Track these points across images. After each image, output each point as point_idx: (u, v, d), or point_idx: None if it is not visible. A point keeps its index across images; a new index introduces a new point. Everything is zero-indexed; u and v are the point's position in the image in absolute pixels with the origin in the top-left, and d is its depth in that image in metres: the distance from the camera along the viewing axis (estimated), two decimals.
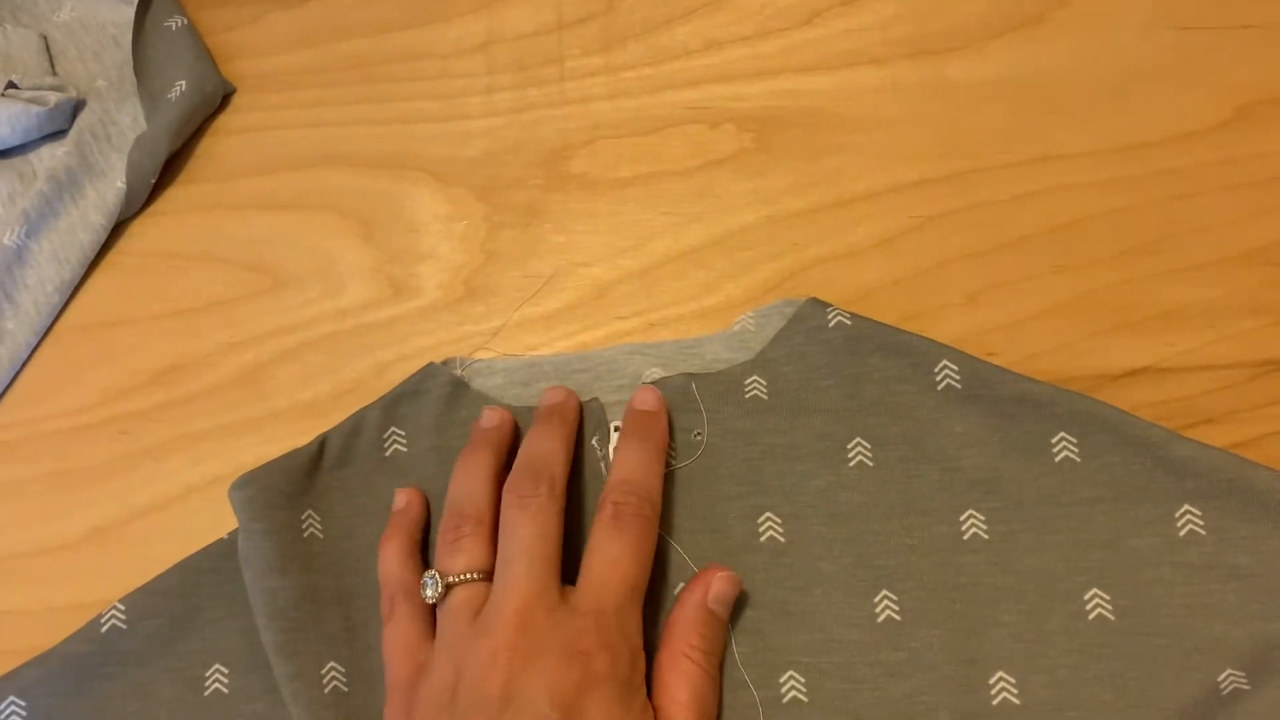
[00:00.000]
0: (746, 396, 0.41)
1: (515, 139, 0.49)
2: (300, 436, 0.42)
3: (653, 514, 0.37)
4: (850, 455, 0.39)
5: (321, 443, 0.42)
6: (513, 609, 0.34)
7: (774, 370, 0.41)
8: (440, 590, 0.37)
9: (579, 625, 0.34)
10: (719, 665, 0.37)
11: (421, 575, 0.38)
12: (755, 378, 0.41)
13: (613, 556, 0.36)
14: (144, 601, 0.41)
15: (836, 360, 0.40)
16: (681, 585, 0.38)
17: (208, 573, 0.41)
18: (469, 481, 0.39)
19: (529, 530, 0.36)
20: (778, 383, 0.41)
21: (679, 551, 0.39)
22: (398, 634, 0.37)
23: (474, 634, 0.35)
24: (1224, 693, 0.35)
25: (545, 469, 0.38)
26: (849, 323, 0.41)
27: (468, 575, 0.37)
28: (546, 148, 0.48)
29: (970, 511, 0.38)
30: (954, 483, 0.38)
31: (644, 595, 0.37)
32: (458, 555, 0.37)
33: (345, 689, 0.38)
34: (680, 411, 0.41)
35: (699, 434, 0.40)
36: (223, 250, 0.48)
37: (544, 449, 0.39)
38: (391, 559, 0.39)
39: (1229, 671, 0.35)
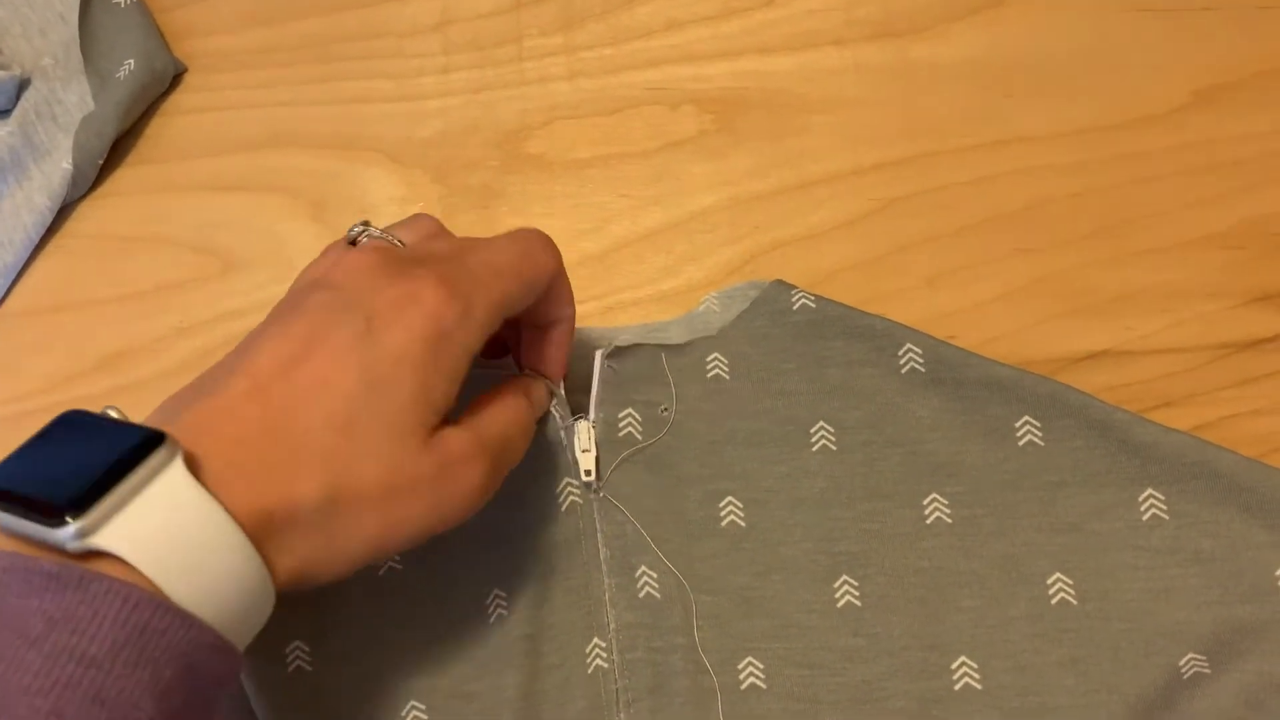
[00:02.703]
0: (708, 375, 0.40)
1: (472, 119, 0.48)
2: None
3: (552, 247, 0.36)
4: (813, 440, 0.39)
5: None
6: (399, 251, 0.34)
7: (735, 349, 0.41)
8: (357, 233, 0.36)
9: (433, 268, 0.32)
10: (530, 436, 0.36)
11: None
12: (716, 355, 0.40)
13: (493, 245, 0.34)
14: None
15: (799, 343, 0.40)
16: (644, 569, 0.38)
17: None
18: None
19: (495, 242, 0.35)
20: (740, 363, 0.40)
21: (640, 532, 0.38)
22: (319, 257, 0.36)
23: (349, 252, 0.34)
24: (1185, 676, 0.35)
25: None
26: (813, 305, 0.41)
27: (390, 237, 0.35)
28: (504, 129, 0.48)
29: (933, 496, 0.38)
30: (917, 467, 0.38)
31: (509, 296, 0.34)
32: (403, 226, 0.36)
33: (309, 668, 0.37)
34: (647, 383, 0.40)
35: (666, 409, 0.40)
36: (172, 233, 0.47)
37: None
38: None
39: (1190, 655, 0.35)
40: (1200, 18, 0.46)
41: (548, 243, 0.36)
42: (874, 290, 0.43)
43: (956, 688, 0.36)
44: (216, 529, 0.27)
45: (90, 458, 0.26)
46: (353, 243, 0.36)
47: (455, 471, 0.32)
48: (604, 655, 0.37)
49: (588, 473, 0.38)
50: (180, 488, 0.27)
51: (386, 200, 0.47)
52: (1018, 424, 0.38)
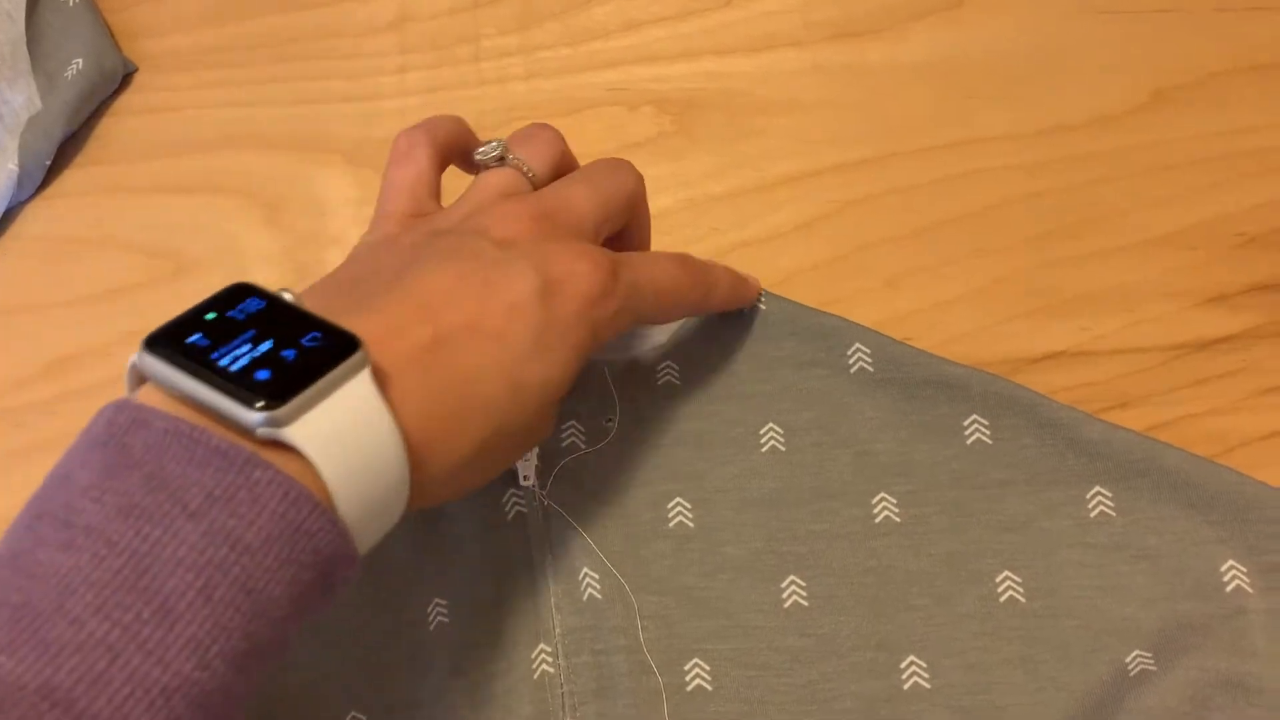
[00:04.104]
0: (659, 383, 0.40)
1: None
2: None
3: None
4: (763, 441, 0.39)
5: None
6: (549, 204, 0.34)
7: (687, 353, 0.41)
8: (495, 154, 0.36)
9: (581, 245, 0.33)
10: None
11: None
12: (668, 363, 0.41)
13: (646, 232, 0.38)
14: None
15: (751, 344, 0.40)
16: (586, 571, 0.38)
17: None
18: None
19: (603, 177, 0.36)
20: (691, 368, 0.40)
21: (584, 537, 0.38)
22: (409, 172, 0.36)
23: (501, 200, 0.34)
24: (1132, 673, 0.35)
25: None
26: (764, 306, 0.41)
27: (526, 169, 0.36)
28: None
29: (882, 495, 0.38)
30: (866, 467, 0.38)
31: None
32: (530, 144, 0.37)
33: None
34: (594, 397, 0.40)
35: (610, 420, 0.40)
36: (121, 235, 0.47)
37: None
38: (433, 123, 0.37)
39: (1137, 652, 0.35)
40: (1158, 19, 0.46)
41: (638, 175, 0.38)
42: (834, 291, 0.43)
43: (905, 687, 0.36)
44: (390, 449, 0.27)
45: (287, 345, 0.26)
46: (484, 166, 0.36)
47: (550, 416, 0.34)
48: (550, 660, 0.37)
49: (525, 478, 0.38)
50: (367, 399, 0.26)
51: (342, 202, 0.47)
52: (965, 423, 0.38)
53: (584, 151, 0.45)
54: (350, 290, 0.31)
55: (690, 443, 0.40)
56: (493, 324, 0.30)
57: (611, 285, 0.32)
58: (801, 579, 0.37)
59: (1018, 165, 0.44)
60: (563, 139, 0.38)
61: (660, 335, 0.41)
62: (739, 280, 0.39)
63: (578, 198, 0.35)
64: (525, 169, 0.36)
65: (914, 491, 0.38)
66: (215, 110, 0.49)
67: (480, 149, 0.36)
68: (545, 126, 0.38)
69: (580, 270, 0.32)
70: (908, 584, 0.37)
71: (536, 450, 0.39)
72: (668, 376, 0.40)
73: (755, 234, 0.45)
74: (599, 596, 0.38)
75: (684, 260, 0.37)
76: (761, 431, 0.39)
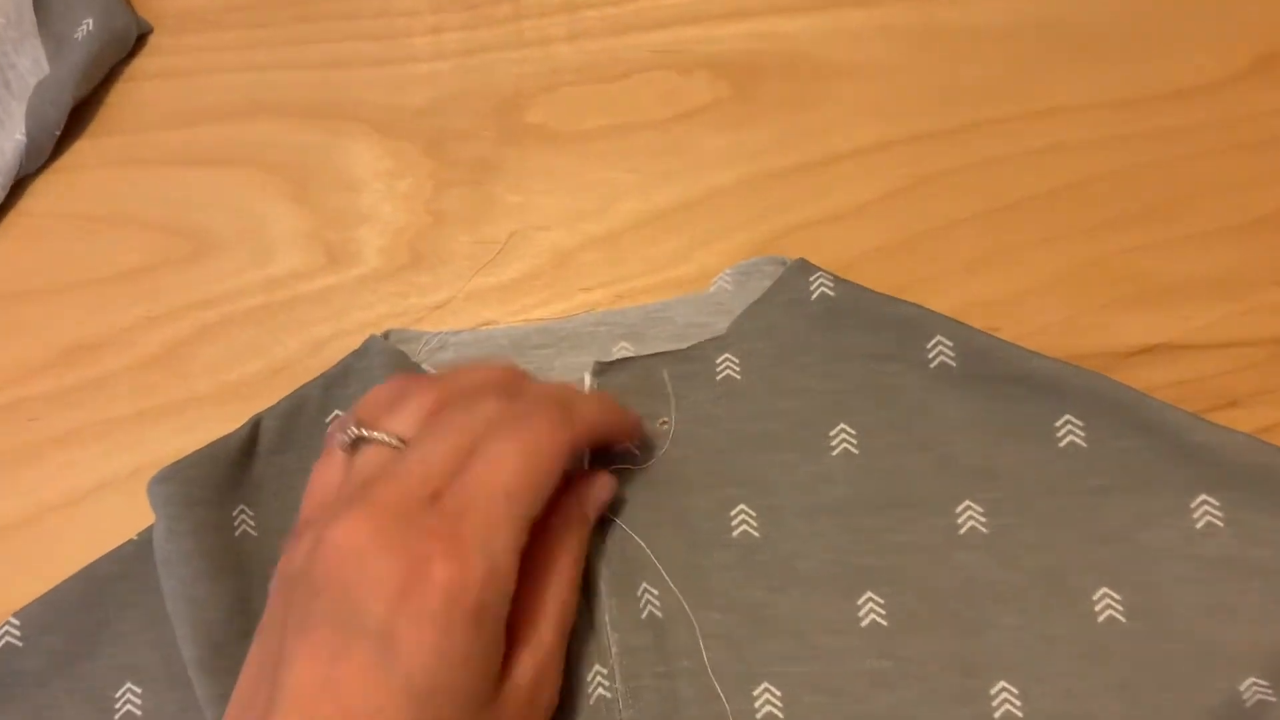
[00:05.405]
0: (718, 378, 0.38)
1: (465, 86, 0.45)
2: (226, 423, 0.39)
3: (560, 418, 0.33)
4: (833, 443, 0.37)
5: (255, 425, 0.39)
6: (392, 488, 0.31)
7: (747, 347, 0.38)
8: (350, 439, 0.33)
9: (432, 526, 0.30)
10: (580, 573, 0.35)
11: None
12: (727, 356, 0.38)
13: (493, 455, 0.31)
14: (42, 615, 0.37)
15: (817, 335, 0.38)
16: (645, 586, 0.36)
17: (116, 580, 0.38)
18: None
19: (463, 419, 0.32)
20: (752, 361, 0.38)
21: (642, 547, 0.36)
22: (316, 475, 0.34)
23: (345, 500, 0.31)
24: (1247, 704, 0.33)
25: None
26: (833, 294, 0.38)
27: (387, 438, 0.33)
28: (500, 96, 0.45)
29: (967, 503, 0.36)
30: (949, 472, 0.36)
31: (529, 510, 0.31)
32: (390, 415, 0.33)
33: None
34: (646, 396, 0.38)
35: (665, 422, 0.38)
36: (137, 212, 0.45)
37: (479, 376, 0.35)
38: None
39: (1252, 680, 0.33)
40: None
41: (554, 422, 0.33)
42: (907, 277, 0.40)
43: (996, 715, 0.34)
44: None
45: None
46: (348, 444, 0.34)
47: (534, 698, 0.31)
48: (606, 684, 0.35)
49: None
50: None
51: (373, 175, 0.44)
52: (1058, 423, 0.36)
53: (635, 121, 0.44)
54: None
55: (753, 445, 0.37)
56: (362, 705, 0.28)
57: (463, 567, 0.29)
58: (879, 595, 0.35)
59: (1107, 137, 0.42)
60: (429, 388, 0.34)
61: (720, 320, 0.39)
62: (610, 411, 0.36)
63: (438, 451, 0.32)
64: (391, 440, 0.33)
65: (1001, 499, 0.36)
66: (235, 75, 0.46)
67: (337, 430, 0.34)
68: (407, 383, 0.35)
69: (420, 578, 0.29)
70: (996, 601, 0.35)
71: (587, 453, 0.37)
72: (727, 371, 0.38)
73: (819, 213, 0.42)
74: (660, 615, 0.35)
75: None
76: (832, 433, 0.37)
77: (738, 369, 0.38)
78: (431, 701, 0.28)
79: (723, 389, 0.38)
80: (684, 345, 0.39)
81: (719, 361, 0.38)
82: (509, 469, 0.31)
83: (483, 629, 0.29)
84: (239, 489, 0.38)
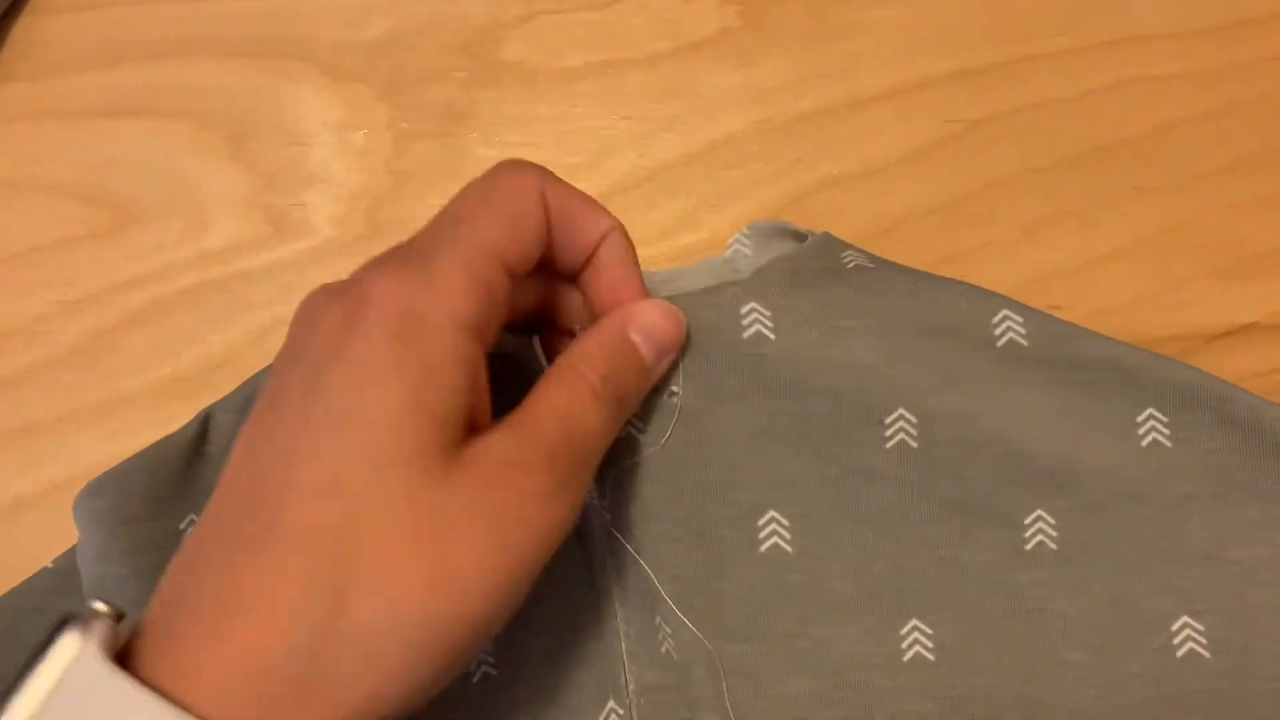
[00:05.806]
0: (745, 334, 0.32)
1: (429, 15, 0.41)
2: (159, 426, 0.35)
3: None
4: (889, 432, 0.32)
5: (205, 421, 0.35)
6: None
7: (778, 300, 0.33)
8: None
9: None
10: (621, 410, 0.30)
11: None
12: (754, 306, 0.33)
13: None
14: None
15: (861, 298, 0.33)
16: (660, 619, 0.32)
17: (30, 614, 0.34)
18: None
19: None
20: (786, 317, 0.33)
21: (646, 570, 0.32)
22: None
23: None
24: None
25: None
26: (870, 266, 0.33)
27: None
28: (470, 27, 0.41)
29: (1039, 512, 0.32)
30: (1018, 473, 0.32)
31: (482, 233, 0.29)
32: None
33: None
34: None
35: (674, 393, 0.32)
36: (50, 175, 0.41)
37: None
38: None
39: None
40: None
41: (516, 162, 0.30)
42: (954, 244, 0.37)
43: None
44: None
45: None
46: None
47: (507, 486, 0.26)
48: None
49: None
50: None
51: (320, 126, 0.40)
52: (1140, 418, 0.32)
53: (628, 57, 0.40)
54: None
55: (788, 431, 0.32)
56: (281, 448, 0.27)
57: (399, 279, 0.27)
58: (926, 624, 0.32)
59: (1188, 73, 0.38)
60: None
61: (741, 262, 0.34)
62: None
63: None
64: None
65: (1075, 509, 0.32)
66: (161, 7, 0.42)
67: None
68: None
69: (359, 299, 0.27)
70: (1061, 632, 0.32)
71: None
72: (757, 326, 0.33)
73: (850, 167, 0.39)
74: (675, 654, 0.32)
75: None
76: (889, 419, 0.32)
77: (770, 325, 0.33)
78: (347, 431, 0.26)
79: (750, 349, 0.32)
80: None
81: (745, 312, 0.33)
82: (458, 202, 0.29)
83: (420, 347, 0.27)
84: (187, 497, 0.34)
